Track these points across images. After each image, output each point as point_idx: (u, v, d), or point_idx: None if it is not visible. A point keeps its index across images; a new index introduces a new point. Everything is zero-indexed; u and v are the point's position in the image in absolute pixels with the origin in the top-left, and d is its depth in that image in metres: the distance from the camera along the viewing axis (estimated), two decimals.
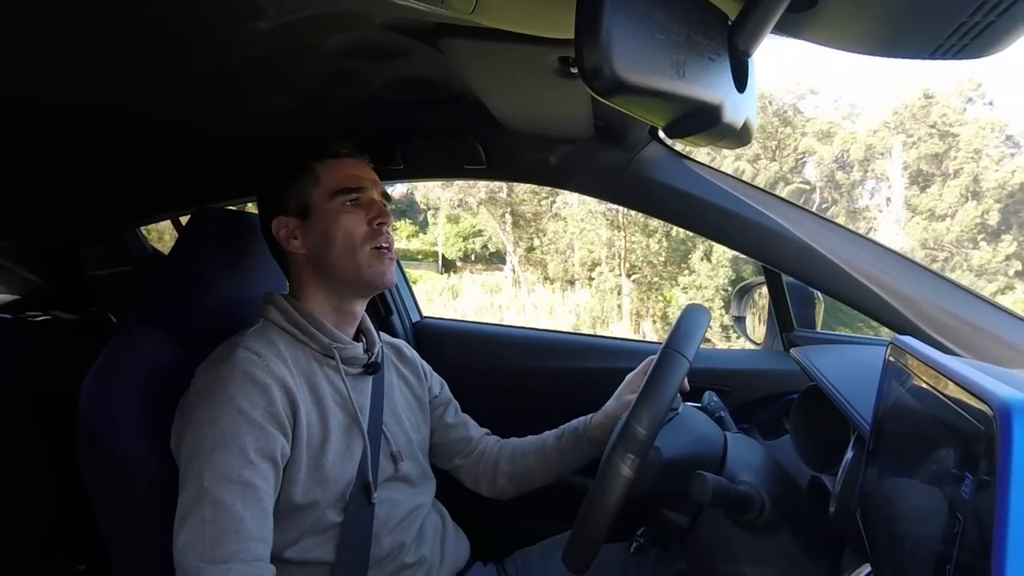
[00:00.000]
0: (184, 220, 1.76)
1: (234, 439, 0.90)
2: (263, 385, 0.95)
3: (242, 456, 0.90)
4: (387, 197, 1.12)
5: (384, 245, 1.07)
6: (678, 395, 0.99)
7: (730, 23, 0.56)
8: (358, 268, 1.05)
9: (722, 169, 1.27)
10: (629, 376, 1.21)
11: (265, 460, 0.92)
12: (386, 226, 1.08)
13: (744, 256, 1.25)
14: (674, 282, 14.36)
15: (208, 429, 0.91)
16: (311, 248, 1.07)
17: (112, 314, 1.91)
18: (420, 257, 19.51)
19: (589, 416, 1.21)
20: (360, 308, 1.13)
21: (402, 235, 19.69)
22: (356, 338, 1.13)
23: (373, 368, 1.12)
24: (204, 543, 0.85)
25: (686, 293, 13.77)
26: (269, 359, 0.98)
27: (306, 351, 1.06)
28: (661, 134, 1.22)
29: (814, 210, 1.22)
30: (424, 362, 1.31)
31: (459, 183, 16.10)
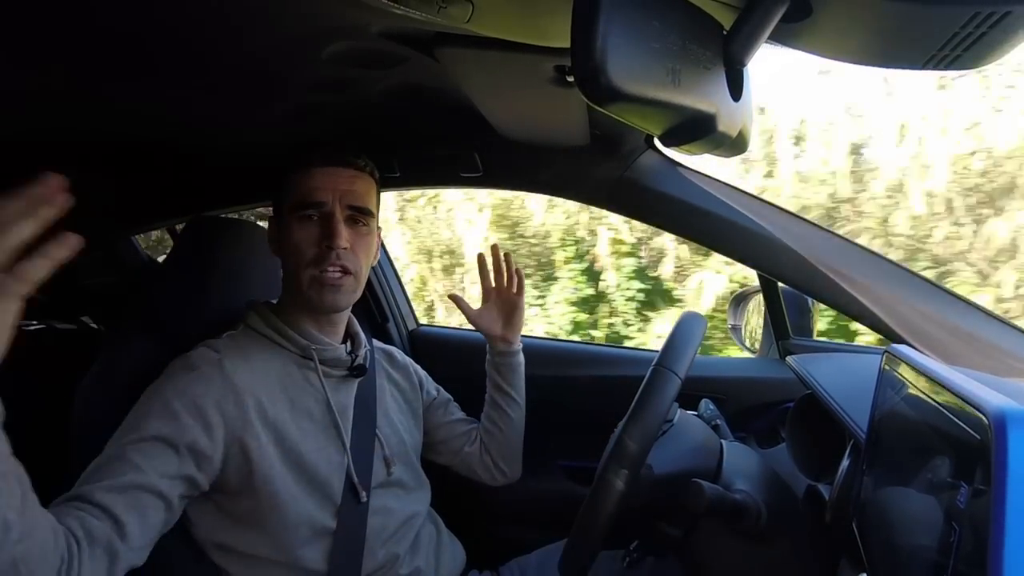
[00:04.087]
0: (180, 228, 1.77)
1: (140, 420, 0.90)
2: (202, 378, 0.95)
3: (135, 434, 0.88)
4: (360, 211, 1.06)
5: (328, 270, 1.02)
6: (674, 406, 0.99)
7: (725, 33, 0.56)
8: (300, 287, 1.04)
9: None
10: (481, 322, 1.30)
11: (158, 443, 0.89)
12: (335, 249, 1.02)
13: (741, 264, 1.25)
14: None
15: (130, 414, 0.92)
16: (279, 255, 1.09)
17: (106, 323, 1.91)
18: None
19: (488, 354, 1.32)
20: (336, 317, 1.11)
21: None
22: (344, 342, 1.13)
23: (358, 371, 1.12)
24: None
25: None
26: (226, 357, 0.98)
27: (284, 354, 1.06)
28: (657, 142, 1.22)
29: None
30: (418, 367, 1.32)
31: None
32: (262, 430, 0.97)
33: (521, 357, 1.31)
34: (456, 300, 1.30)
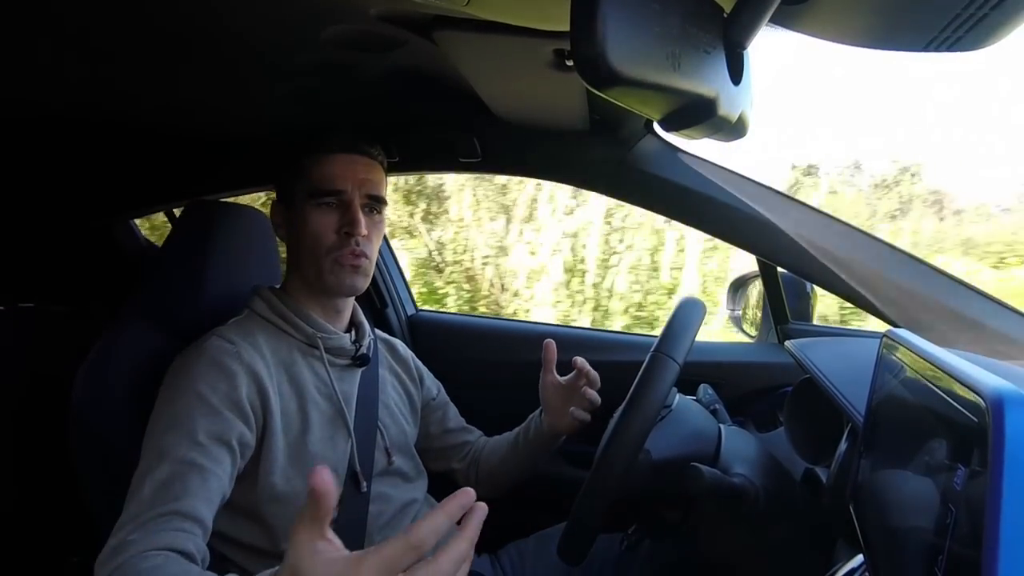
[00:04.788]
0: (178, 212, 1.76)
1: (186, 420, 0.90)
2: (228, 372, 0.95)
3: (190, 437, 0.89)
4: (375, 199, 1.08)
5: (348, 255, 1.04)
6: (673, 391, 1.00)
7: (726, 16, 0.56)
8: (319, 273, 1.05)
9: None
10: (545, 394, 1.21)
11: (217, 444, 0.91)
12: (355, 236, 1.04)
13: (740, 249, 1.25)
14: None
15: (166, 411, 0.92)
16: (289, 241, 1.09)
17: (105, 306, 1.91)
18: None
19: (538, 416, 1.22)
20: (342, 303, 1.12)
21: None
22: (348, 330, 1.13)
23: (362, 360, 1.12)
24: (136, 520, 0.82)
25: None
26: (241, 347, 0.98)
27: (289, 341, 1.06)
28: (656, 127, 1.22)
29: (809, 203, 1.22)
30: (420, 364, 1.31)
31: None
32: (276, 419, 0.98)
33: (555, 445, 1.23)
34: (547, 349, 1.20)
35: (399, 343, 1.30)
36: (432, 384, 1.31)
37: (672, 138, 1.23)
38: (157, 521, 0.81)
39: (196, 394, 0.92)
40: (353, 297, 1.13)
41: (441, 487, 1.27)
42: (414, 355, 1.31)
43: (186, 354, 0.98)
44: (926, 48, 0.58)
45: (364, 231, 1.04)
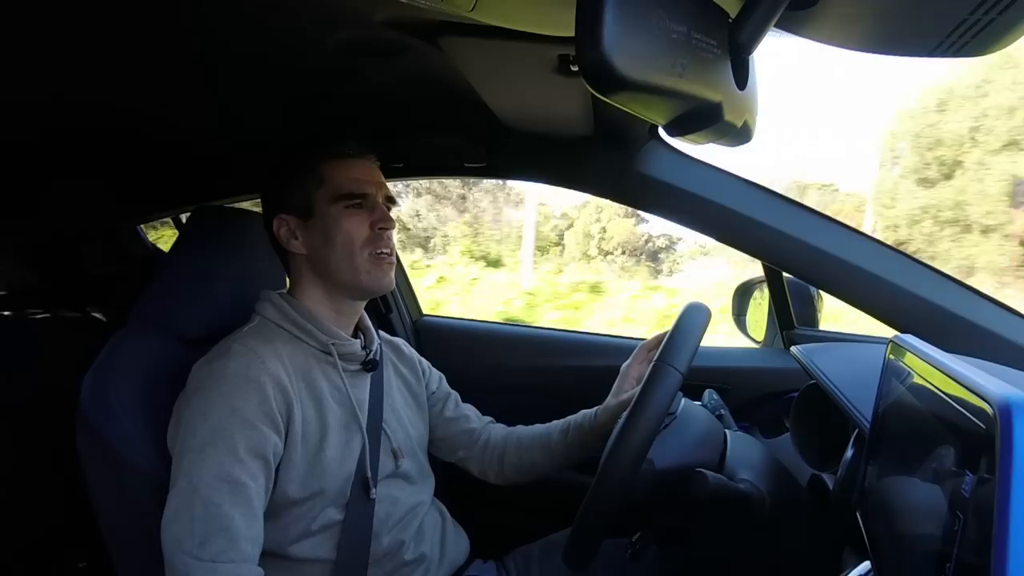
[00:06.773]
0: (184, 218, 1.77)
1: (225, 437, 0.90)
2: (257, 383, 0.95)
3: (232, 454, 0.90)
4: (391, 200, 1.10)
5: (384, 251, 1.06)
6: (679, 395, 0.99)
7: (731, 21, 0.56)
8: (356, 273, 1.05)
9: None
10: (624, 368, 1.21)
11: (255, 458, 0.92)
12: (388, 231, 1.07)
13: (746, 254, 1.25)
14: None
15: (200, 426, 0.92)
16: (311, 249, 1.07)
17: (112, 312, 1.91)
18: None
19: (593, 411, 1.21)
20: (359, 307, 1.13)
21: None
22: (354, 336, 1.14)
23: (371, 365, 1.12)
24: (193, 540, 0.85)
25: None
26: (265, 356, 0.98)
27: (303, 348, 1.06)
28: (662, 132, 1.22)
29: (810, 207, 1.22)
30: (422, 359, 1.31)
31: None
32: (298, 427, 0.99)
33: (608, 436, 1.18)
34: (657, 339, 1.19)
35: (402, 342, 1.30)
36: (434, 379, 1.31)
37: (677, 143, 1.23)
38: (212, 539, 0.86)
39: (230, 408, 0.92)
40: (363, 303, 1.13)
41: (449, 489, 1.27)
42: (417, 353, 1.31)
43: (209, 363, 0.98)
44: (932, 53, 0.57)
45: (395, 227, 1.08)
